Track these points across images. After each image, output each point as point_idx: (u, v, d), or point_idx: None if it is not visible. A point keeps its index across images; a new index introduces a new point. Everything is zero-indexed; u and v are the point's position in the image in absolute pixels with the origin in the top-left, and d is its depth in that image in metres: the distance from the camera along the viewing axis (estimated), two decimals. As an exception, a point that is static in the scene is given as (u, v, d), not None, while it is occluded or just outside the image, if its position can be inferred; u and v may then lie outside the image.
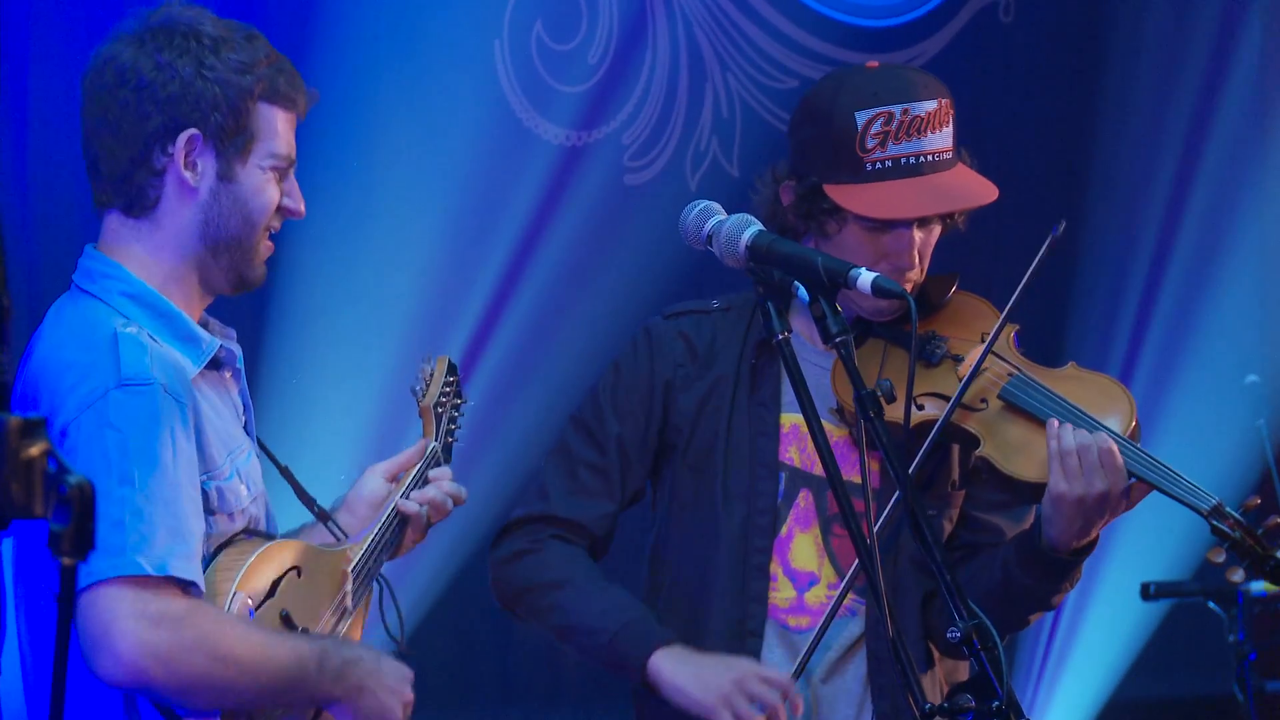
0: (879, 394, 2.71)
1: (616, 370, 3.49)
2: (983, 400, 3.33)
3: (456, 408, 3.31)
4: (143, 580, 2.61)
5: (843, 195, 3.31)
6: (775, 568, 3.39)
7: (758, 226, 2.82)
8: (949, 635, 2.64)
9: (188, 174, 2.81)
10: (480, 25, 5.42)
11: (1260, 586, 5.45)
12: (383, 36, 5.23)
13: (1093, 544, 3.30)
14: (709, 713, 3.23)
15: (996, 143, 6.11)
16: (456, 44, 5.36)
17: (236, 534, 2.82)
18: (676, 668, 3.29)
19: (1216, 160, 6.61)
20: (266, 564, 2.81)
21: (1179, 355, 6.46)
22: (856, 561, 3.26)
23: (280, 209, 2.89)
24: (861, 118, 3.31)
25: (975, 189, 3.39)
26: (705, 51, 5.81)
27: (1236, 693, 5.43)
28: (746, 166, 5.75)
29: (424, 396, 3.25)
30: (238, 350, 2.93)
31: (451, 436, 3.28)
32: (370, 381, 5.07)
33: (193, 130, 2.80)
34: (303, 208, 2.92)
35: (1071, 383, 3.36)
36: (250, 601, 2.76)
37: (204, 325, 2.90)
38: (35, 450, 1.80)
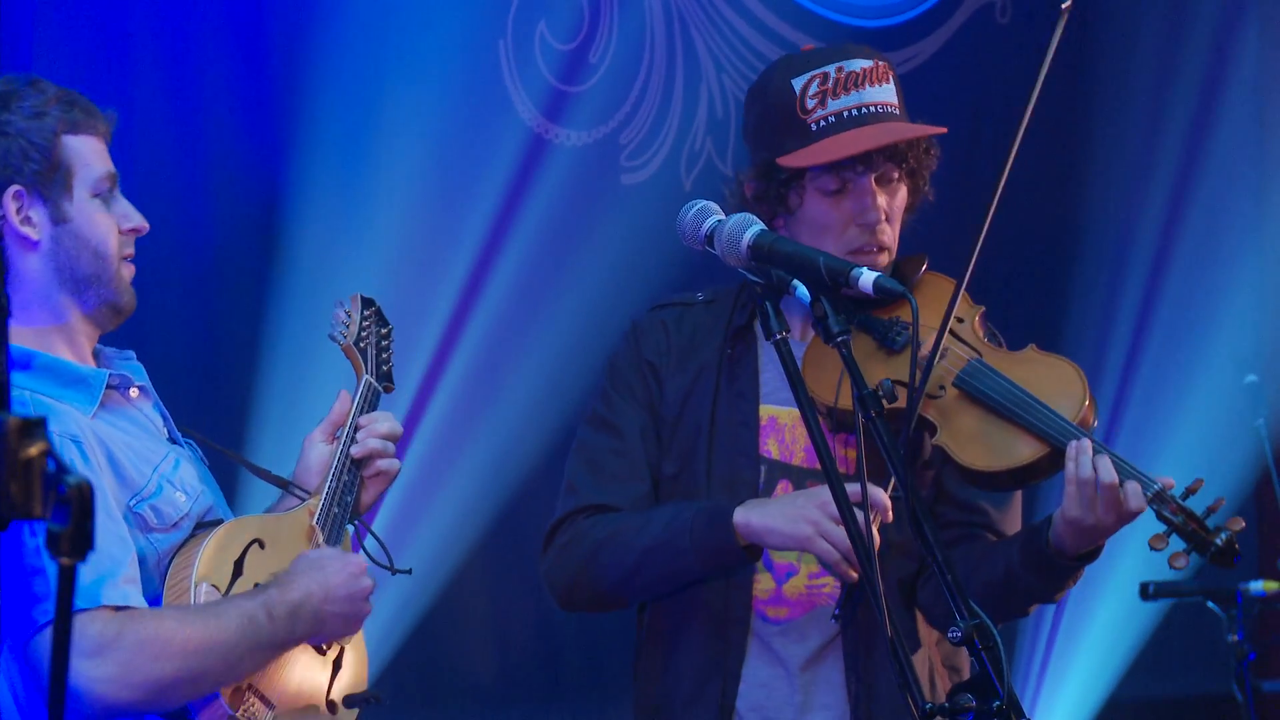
0: (880, 394, 2.72)
1: (615, 364, 3.53)
2: (941, 387, 3.34)
3: (383, 336, 3.33)
4: (78, 615, 2.67)
5: (794, 160, 3.37)
6: None
7: (760, 226, 2.84)
8: (950, 636, 2.64)
9: (26, 229, 2.87)
10: (485, 24, 5.42)
11: (1259, 586, 5.46)
12: (386, 36, 5.22)
13: (1099, 550, 3.31)
14: (804, 544, 3.23)
15: (993, 143, 6.11)
16: (461, 44, 5.36)
17: (189, 537, 2.88)
18: (763, 513, 3.27)
19: (1214, 160, 6.61)
20: (222, 548, 2.86)
21: (1178, 355, 6.46)
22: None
23: (122, 232, 2.95)
24: (798, 83, 3.40)
25: (920, 127, 3.42)
26: (700, 52, 5.81)
27: (1236, 692, 5.43)
28: (740, 166, 5.74)
29: (345, 338, 3.28)
30: (136, 367, 2.99)
31: (385, 365, 3.30)
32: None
33: (16, 186, 2.87)
34: (144, 222, 2.98)
35: (1028, 367, 3.35)
36: (216, 587, 2.81)
37: (96, 356, 2.95)
38: (34, 450, 1.79)
